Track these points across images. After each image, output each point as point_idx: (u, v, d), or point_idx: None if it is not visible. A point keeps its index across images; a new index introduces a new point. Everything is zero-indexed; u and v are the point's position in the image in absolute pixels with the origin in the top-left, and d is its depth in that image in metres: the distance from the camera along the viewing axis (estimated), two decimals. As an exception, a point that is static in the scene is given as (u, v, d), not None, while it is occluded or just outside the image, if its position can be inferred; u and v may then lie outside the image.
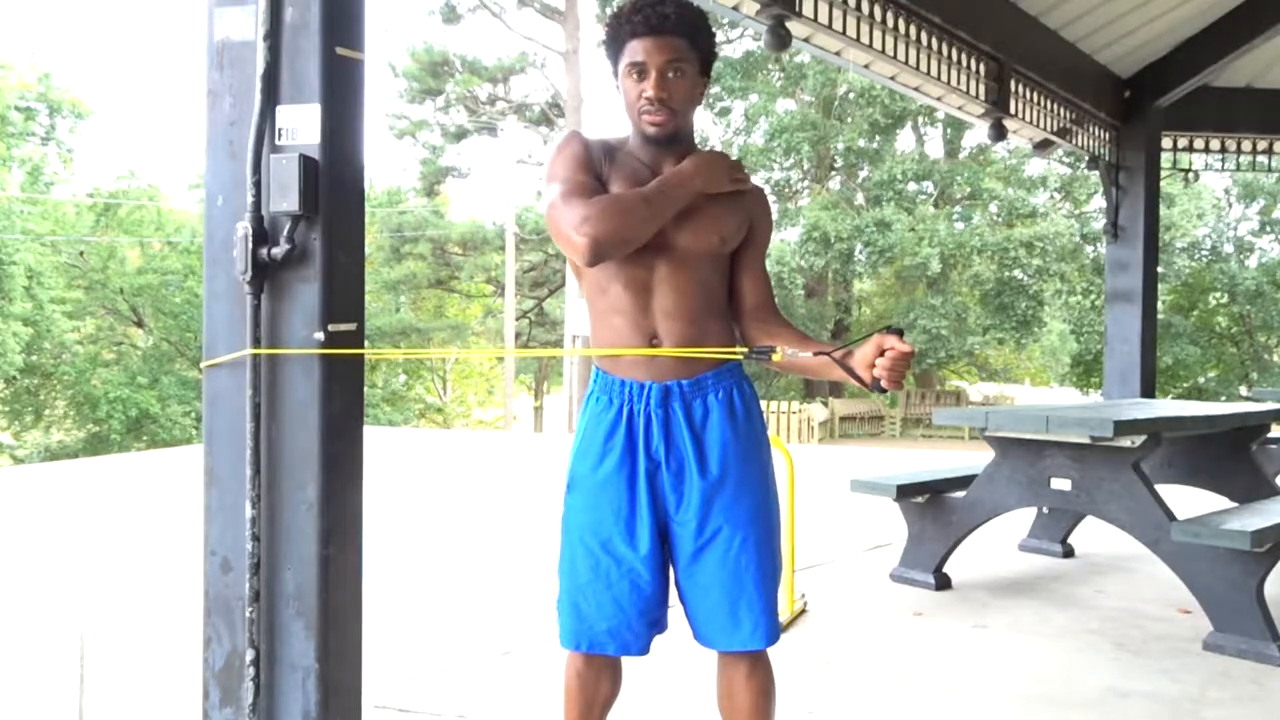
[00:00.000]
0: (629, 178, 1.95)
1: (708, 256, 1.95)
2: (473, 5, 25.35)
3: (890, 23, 4.80)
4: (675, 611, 2.02)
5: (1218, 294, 24.22)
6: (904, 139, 24.47)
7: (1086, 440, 3.96)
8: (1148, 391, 6.78)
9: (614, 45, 1.95)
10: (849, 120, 22.44)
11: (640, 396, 1.95)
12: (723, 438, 1.95)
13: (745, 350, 1.97)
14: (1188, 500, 4.67)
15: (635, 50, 1.90)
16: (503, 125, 25.25)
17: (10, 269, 21.12)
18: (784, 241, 21.33)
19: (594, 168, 1.93)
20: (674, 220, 1.92)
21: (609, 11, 21.38)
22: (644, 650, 2.03)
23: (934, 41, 5.14)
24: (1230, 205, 24.74)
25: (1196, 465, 4.98)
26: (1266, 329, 24.18)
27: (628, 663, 2.13)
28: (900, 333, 1.76)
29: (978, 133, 17.12)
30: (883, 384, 1.77)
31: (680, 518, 1.95)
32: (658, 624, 2.03)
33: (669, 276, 1.93)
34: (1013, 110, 5.82)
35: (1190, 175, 8.91)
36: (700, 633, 2.01)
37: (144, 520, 6.35)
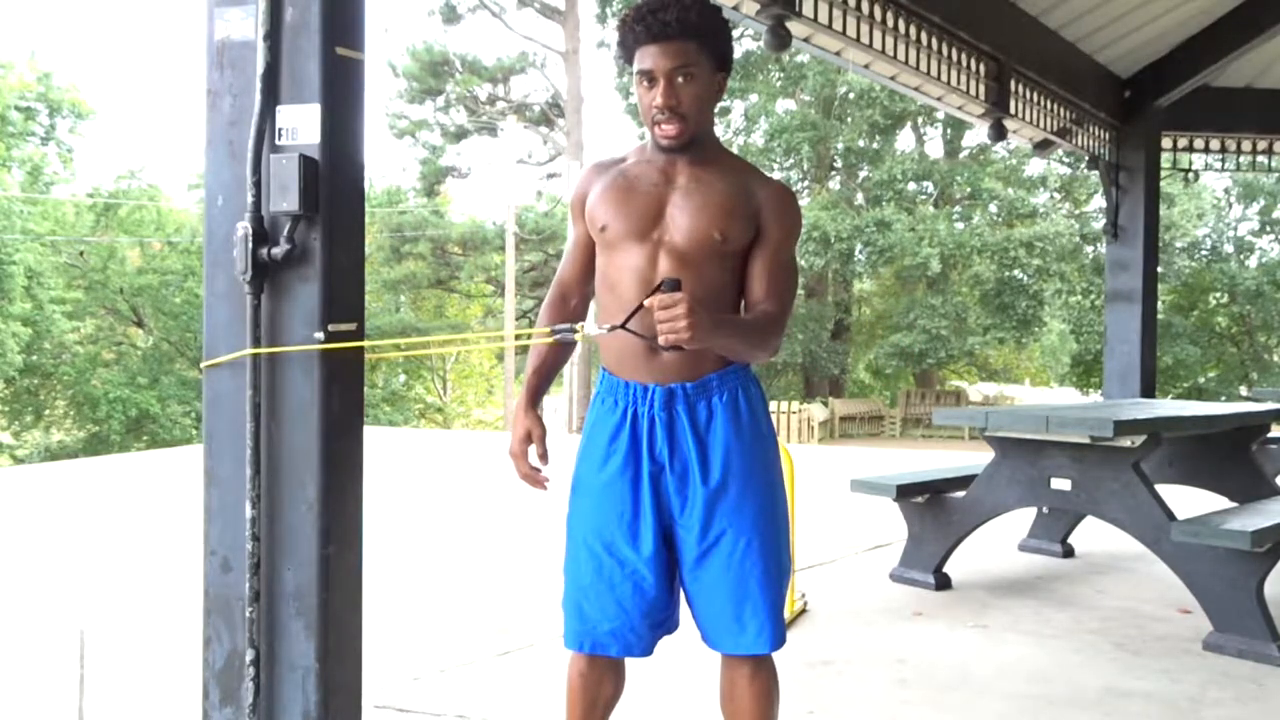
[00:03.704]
0: (622, 188, 1.96)
1: (710, 254, 1.92)
2: (473, 5, 25.36)
3: (890, 23, 4.80)
4: (687, 611, 2.02)
5: (1218, 294, 24.25)
6: (904, 139, 24.51)
7: (1086, 440, 3.96)
8: (1148, 391, 6.77)
9: (624, 51, 1.94)
10: (849, 120, 22.44)
11: (644, 399, 1.95)
12: (726, 441, 1.94)
13: (549, 329, 1.95)
14: (1188, 500, 4.67)
15: (642, 58, 1.88)
16: (503, 125, 25.26)
17: (10, 269, 21.14)
18: (784, 241, 21.30)
19: (580, 208, 2.04)
20: (674, 215, 1.92)
21: (609, 11, 21.47)
22: (647, 652, 2.03)
23: (934, 41, 5.14)
24: (1230, 205, 24.76)
25: (1196, 465, 4.98)
26: (1266, 329, 24.20)
27: (630, 662, 2.13)
28: (676, 285, 1.71)
29: (978, 133, 17.12)
30: (661, 341, 1.71)
31: (684, 521, 1.95)
32: (663, 625, 2.03)
33: (670, 273, 1.90)
34: (1013, 110, 5.82)
35: (1190, 175, 8.91)
36: (706, 635, 2.01)
37: (144, 520, 6.35)
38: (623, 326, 1.84)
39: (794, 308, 2.07)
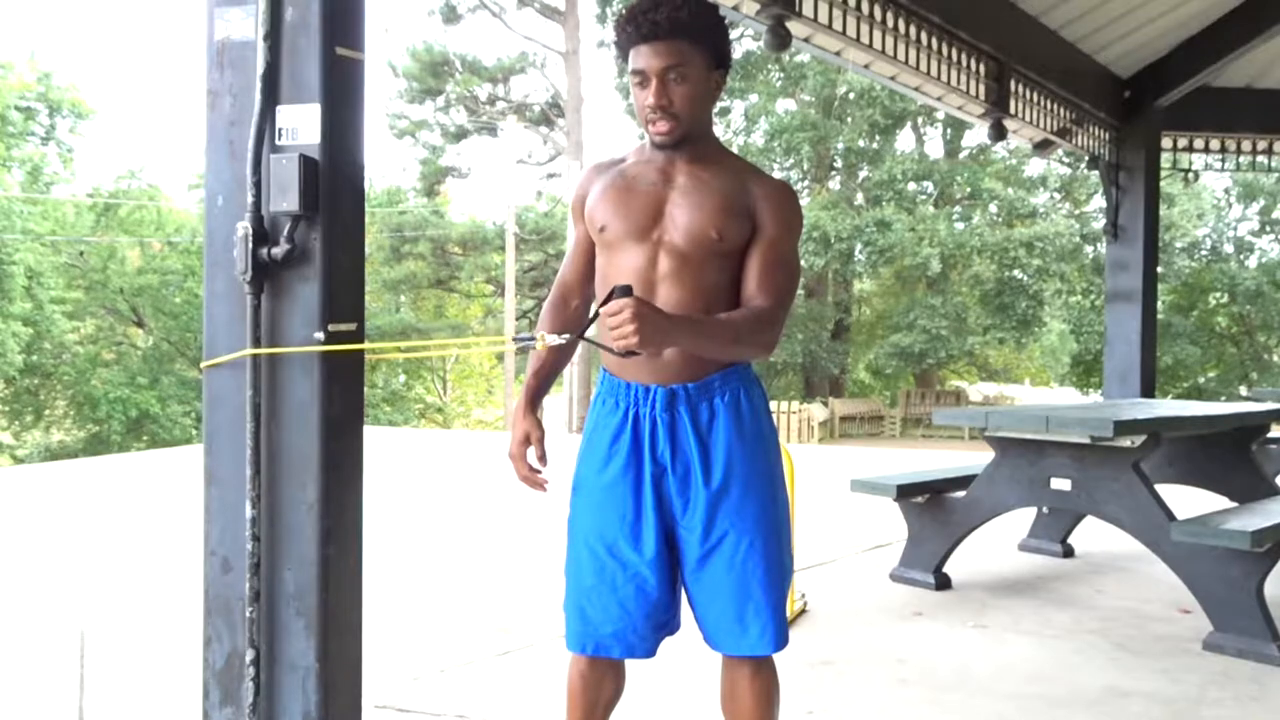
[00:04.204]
0: (621, 189, 1.96)
1: (709, 253, 1.90)
2: (473, 5, 25.36)
3: (890, 23, 4.80)
4: (688, 612, 2.02)
5: (1218, 294, 24.23)
6: (904, 139, 24.50)
7: (1086, 440, 3.96)
8: (1148, 391, 6.77)
9: (620, 53, 1.94)
10: (849, 120, 22.44)
11: (646, 400, 1.94)
12: (729, 442, 1.93)
13: (511, 338, 1.99)
14: (1188, 500, 4.67)
15: (635, 58, 1.89)
16: (503, 125, 25.26)
17: (10, 269, 21.13)
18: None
19: (580, 209, 2.05)
20: (672, 215, 1.92)
21: (609, 12, 21.49)
22: (650, 653, 2.03)
23: (934, 41, 5.14)
24: (1230, 205, 24.75)
25: (1196, 465, 4.97)
26: (1266, 329, 24.19)
27: (631, 663, 2.12)
28: (627, 290, 1.73)
29: (978, 133, 17.11)
30: (616, 348, 1.72)
31: (686, 522, 1.94)
32: (665, 626, 2.02)
33: (671, 273, 1.91)
34: (1013, 110, 5.82)
35: (1190, 175, 8.91)
36: (708, 636, 2.00)
37: (144, 520, 6.35)
38: (580, 336, 1.85)
39: (793, 307, 2.06)
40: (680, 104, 1.88)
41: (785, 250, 1.95)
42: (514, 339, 2.00)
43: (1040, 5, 5.80)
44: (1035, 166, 23.19)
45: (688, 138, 1.92)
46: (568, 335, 1.90)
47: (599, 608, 1.98)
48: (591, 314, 1.79)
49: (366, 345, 2.18)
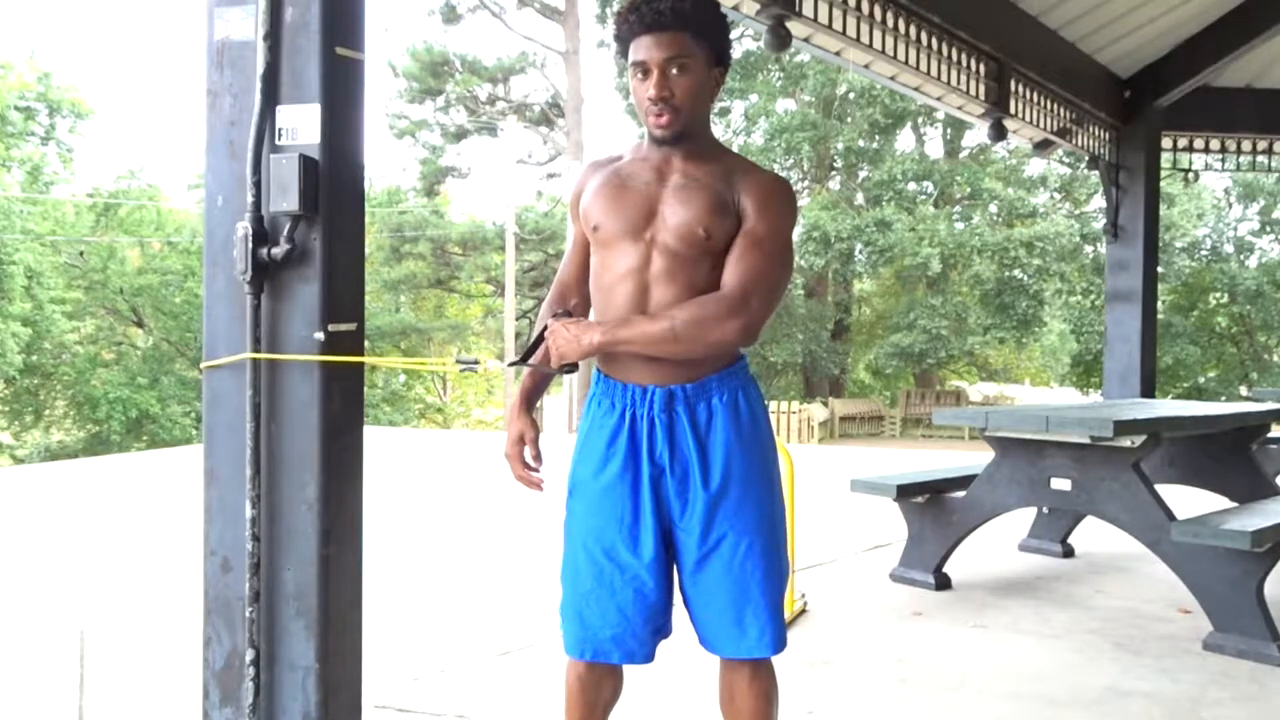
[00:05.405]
0: (615, 186, 1.94)
1: (699, 252, 1.88)
2: (473, 5, 25.33)
3: (890, 23, 4.80)
4: (679, 614, 2.02)
5: (1218, 294, 24.23)
6: (904, 139, 24.50)
7: (1086, 440, 3.96)
8: (1148, 391, 6.78)
9: (620, 45, 1.92)
10: (849, 120, 22.44)
11: (643, 401, 1.93)
12: (727, 442, 1.92)
13: (454, 360, 2.06)
14: (1188, 500, 4.67)
15: (637, 49, 1.88)
16: (503, 125, 25.24)
17: (10, 269, 21.14)
18: (785, 241, 21.32)
19: (577, 207, 2.04)
20: (663, 214, 1.90)
21: (609, 11, 21.48)
22: (649, 658, 2.01)
23: (934, 41, 5.14)
24: (1230, 205, 24.75)
25: (1196, 465, 4.97)
26: (1266, 329, 24.18)
27: (629, 665, 2.12)
28: (567, 314, 1.92)
29: (978, 133, 17.11)
30: (553, 362, 1.90)
31: (684, 524, 1.93)
32: (662, 630, 2.02)
33: (665, 272, 1.89)
34: (1013, 110, 5.82)
35: (1190, 175, 8.91)
36: (706, 639, 1.99)
37: (144, 520, 6.35)
38: (523, 362, 1.89)
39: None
40: (681, 96, 1.87)
41: (763, 236, 1.88)
42: (456, 360, 2.04)
43: (1040, 5, 5.80)
44: (1035, 166, 23.19)
45: (686, 133, 1.90)
46: (510, 362, 1.96)
47: (597, 612, 1.97)
48: (534, 338, 1.86)
49: (367, 359, 2.17)
